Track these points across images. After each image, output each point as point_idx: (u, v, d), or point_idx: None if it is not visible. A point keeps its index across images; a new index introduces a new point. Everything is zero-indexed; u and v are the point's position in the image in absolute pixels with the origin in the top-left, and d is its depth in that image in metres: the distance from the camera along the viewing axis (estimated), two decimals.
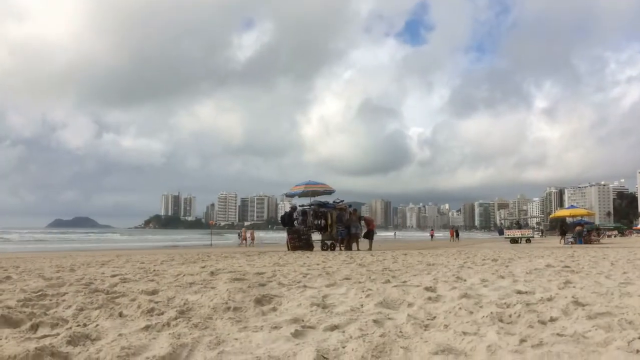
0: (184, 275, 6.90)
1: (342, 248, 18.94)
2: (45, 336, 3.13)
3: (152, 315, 3.76)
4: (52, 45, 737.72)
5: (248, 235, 37.44)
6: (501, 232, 40.95)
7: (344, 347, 2.81)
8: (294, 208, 20.40)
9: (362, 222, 21.11)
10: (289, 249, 18.51)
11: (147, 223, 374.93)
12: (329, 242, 19.14)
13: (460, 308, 3.87)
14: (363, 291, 4.94)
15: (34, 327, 3.36)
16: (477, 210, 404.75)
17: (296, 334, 3.12)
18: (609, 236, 63.04)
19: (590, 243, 29.16)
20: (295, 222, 19.52)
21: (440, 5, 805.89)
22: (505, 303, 4.11)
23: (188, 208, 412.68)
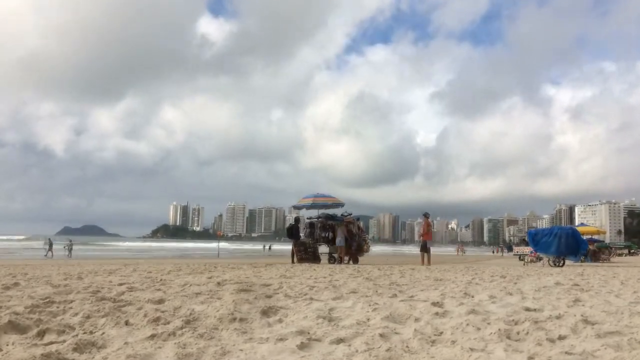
0: (190, 285, 6.90)
1: (346, 261, 18.79)
2: (51, 343, 3.14)
3: (158, 325, 3.77)
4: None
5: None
6: (510, 249, 40.66)
7: None
8: (297, 220, 20.35)
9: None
10: (293, 262, 18.39)
11: (155, 232, 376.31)
12: (336, 255, 19.04)
13: (467, 324, 3.84)
14: (370, 305, 4.92)
15: (41, 334, 3.37)
16: (486, 227, 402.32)
17: (302, 346, 3.11)
18: (620, 255, 62.36)
19: (600, 261, 28.86)
20: (302, 234, 19.48)
21: None
22: (513, 320, 4.07)
23: (196, 218, 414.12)
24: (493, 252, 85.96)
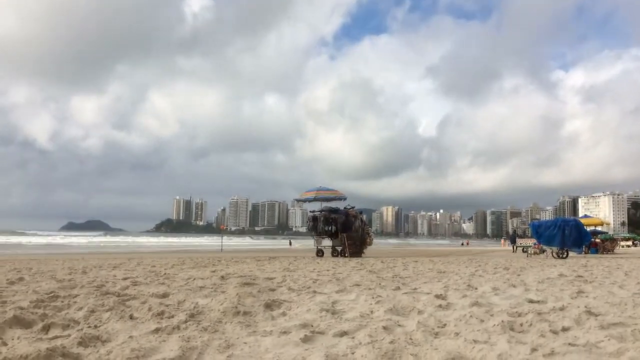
0: (194, 279, 6.93)
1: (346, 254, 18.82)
2: (56, 337, 3.16)
3: (162, 318, 3.78)
4: None
5: None
6: (513, 241, 40.58)
7: (353, 353, 2.80)
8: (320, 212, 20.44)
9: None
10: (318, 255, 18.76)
11: (158, 227, 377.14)
12: (339, 248, 19.08)
13: (471, 316, 3.84)
14: (373, 297, 4.93)
15: (46, 328, 3.39)
16: (489, 219, 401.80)
17: (305, 339, 3.12)
18: (623, 246, 62.26)
19: (603, 253, 28.84)
20: (307, 228, 19.65)
21: None
22: (516, 312, 4.07)
23: (199, 212, 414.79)
24: (462, 244, 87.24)
